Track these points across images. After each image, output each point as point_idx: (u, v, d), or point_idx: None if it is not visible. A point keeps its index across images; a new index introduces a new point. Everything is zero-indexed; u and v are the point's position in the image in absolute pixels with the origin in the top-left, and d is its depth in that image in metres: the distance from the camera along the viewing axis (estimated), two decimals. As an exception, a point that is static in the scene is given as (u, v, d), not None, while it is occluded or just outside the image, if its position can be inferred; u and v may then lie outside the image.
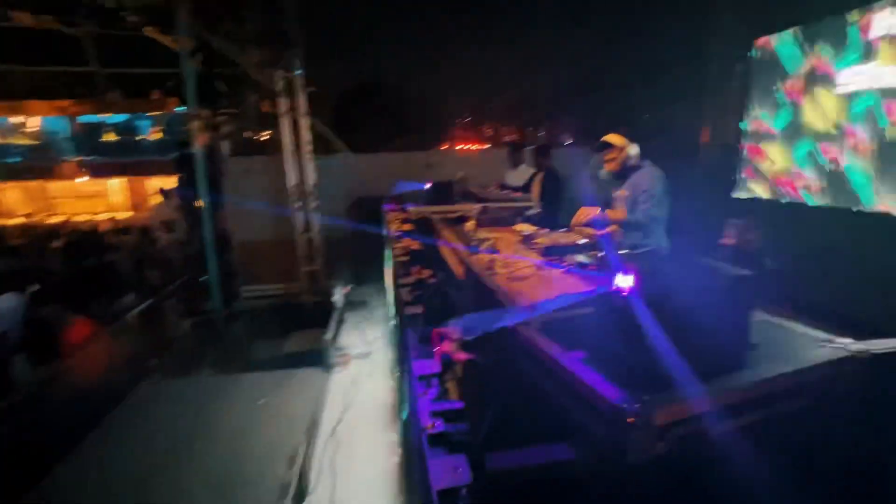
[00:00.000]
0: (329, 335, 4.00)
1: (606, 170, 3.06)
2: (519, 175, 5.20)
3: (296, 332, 4.76)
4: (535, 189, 4.70)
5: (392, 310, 2.89)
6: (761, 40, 5.53)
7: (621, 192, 2.99)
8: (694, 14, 6.47)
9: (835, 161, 4.71)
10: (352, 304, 5.32)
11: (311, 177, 6.06)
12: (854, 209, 4.53)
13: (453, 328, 1.11)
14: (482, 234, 2.83)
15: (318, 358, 3.99)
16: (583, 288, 1.28)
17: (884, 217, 4.22)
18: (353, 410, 3.38)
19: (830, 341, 1.01)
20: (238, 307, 5.28)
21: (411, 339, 1.19)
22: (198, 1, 4.84)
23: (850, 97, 4.46)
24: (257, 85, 6.69)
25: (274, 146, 6.41)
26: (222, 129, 5.66)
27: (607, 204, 3.14)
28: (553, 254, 2.22)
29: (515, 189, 4.82)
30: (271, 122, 6.63)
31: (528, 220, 3.49)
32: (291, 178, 6.02)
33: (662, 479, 0.77)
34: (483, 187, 4.79)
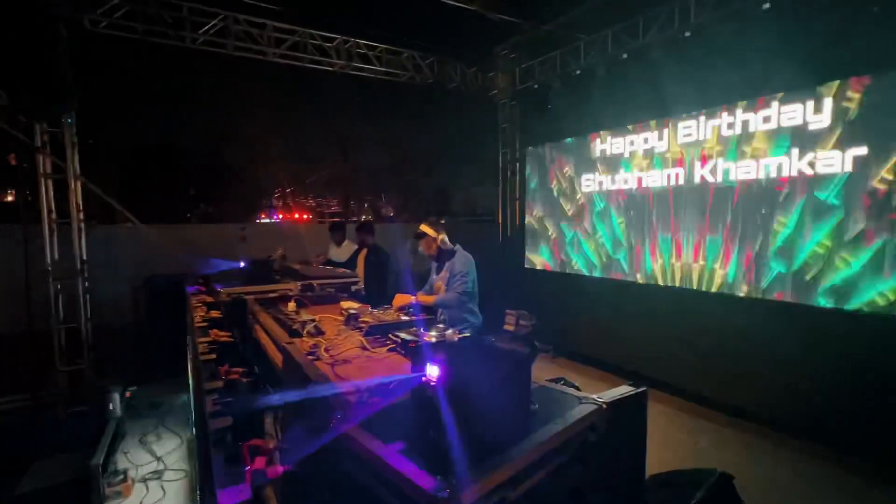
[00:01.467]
0: (98, 457, 3.06)
1: (425, 254, 3.50)
2: (343, 251, 5.23)
3: (45, 458, 3.53)
4: (360, 265, 4.77)
5: (194, 417, 2.43)
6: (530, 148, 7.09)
7: (442, 274, 3.41)
8: (487, 118, 7.92)
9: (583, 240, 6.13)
10: (135, 409, 4.26)
11: (82, 251, 4.90)
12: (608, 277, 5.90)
13: (267, 438, 1.01)
14: (305, 315, 2.70)
15: (80, 491, 3.00)
16: (404, 368, 1.33)
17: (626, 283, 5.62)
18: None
19: (585, 398, 1.30)
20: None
21: (216, 461, 1.02)
22: None
23: (589, 196, 6.01)
24: (3, 135, 5.28)
25: (21, 212, 5.02)
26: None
27: (424, 280, 3.49)
28: (377, 332, 2.25)
29: (339, 265, 4.81)
30: (26, 179, 5.25)
31: (354, 296, 3.50)
32: (50, 253, 4.75)
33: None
34: (306, 263, 4.63)
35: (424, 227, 3.43)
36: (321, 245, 5.82)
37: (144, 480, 3.29)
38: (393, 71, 6.61)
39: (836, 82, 3.68)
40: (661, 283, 5.17)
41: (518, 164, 7.52)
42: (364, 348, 2.04)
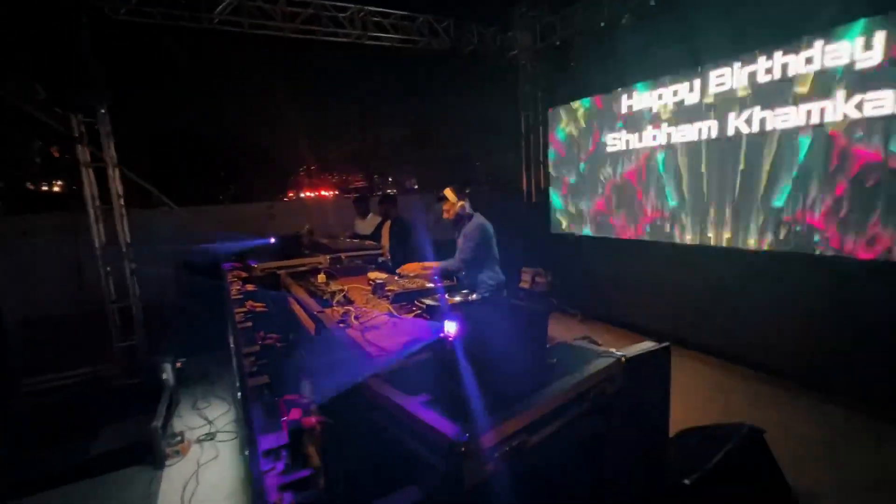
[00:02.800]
0: (157, 421, 3.35)
1: (447, 217, 3.53)
2: (368, 224, 5.32)
3: (111, 424, 3.89)
4: (385, 236, 4.85)
5: (237, 379, 2.62)
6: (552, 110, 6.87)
7: (459, 240, 3.46)
8: (507, 81, 7.70)
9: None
10: (187, 380, 4.58)
11: (125, 235, 5.19)
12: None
13: (302, 394, 1.10)
14: (334, 286, 2.81)
15: (144, 452, 3.31)
16: (428, 330, 1.39)
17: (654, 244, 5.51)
18: (197, 503, 2.88)
19: (604, 352, 1.32)
20: (15, 405, 4.09)
21: (255, 413, 1.12)
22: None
23: (616, 155, 5.82)
24: (46, 128, 5.55)
25: (69, 200, 5.33)
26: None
27: (445, 248, 3.57)
28: (403, 300, 2.33)
29: (365, 237, 4.91)
30: (69, 171, 5.53)
31: (380, 266, 3.60)
32: (98, 238, 5.05)
33: (495, 496, 0.88)
34: (333, 237, 4.75)
35: (447, 192, 3.46)
36: (346, 219, 5.93)
37: (199, 441, 3.58)
38: (409, 38, 6.47)
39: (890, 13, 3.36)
40: (692, 241, 5.03)
41: (541, 127, 7.34)
42: (391, 315, 2.13)
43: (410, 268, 3.14)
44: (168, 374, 4.05)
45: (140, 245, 5.33)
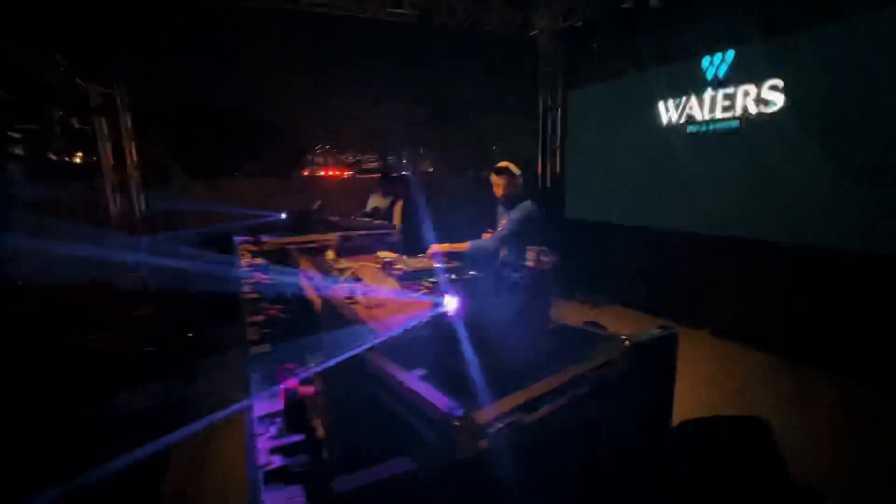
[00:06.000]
0: (173, 386, 3.46)
1: (495, 193, 3.14)
2: (384, 202, 5.30)
3: (125, 390, 4.02)
4: (396, 216, 4.84)
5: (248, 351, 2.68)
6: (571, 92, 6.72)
7: (503, 221, 3.12)
8: (525, 62, 7.53)
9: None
10: (199, 349, 4.70)
11: (141, 206, 5.28)
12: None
13: (302, 364, 1.11)
14: (343, 263, 2.82)
15: (160, 416, 3.42)
16: (430, 308, 1.39)
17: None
18: (208, 466, 2.99)
19: (608, 336, 1.30)
20: (35, 368, 4.25)
21: (254, 379, 1.15)
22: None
23: (639, 139, 5.67)
24: (66, 99, 5.62)
25: (88, 171, 5.43)
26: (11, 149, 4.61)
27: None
28: (410, 279, 2.33)
29: (379, 216, 4.90)
30: (89, 142, 5.62)
31: (390, 246, 3.60)
32: (115, 209, 5.15)
33: (486, 472, 0.88)
34: (344, 216, 4.76)
35: (510, 165, 3.10)
36: (358, 198, 5.92)
37: (211, 407, 3.69)
38: (427, 15, 6.34)
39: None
40: (716, 229, 4.90)
41: (559, 111, 7.19)
42: (398, 293, 2.13)
43: (440, 248, 2.97)
44: (180, 343, 4.15)
45: (156, 217, 5.42)
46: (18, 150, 5.01)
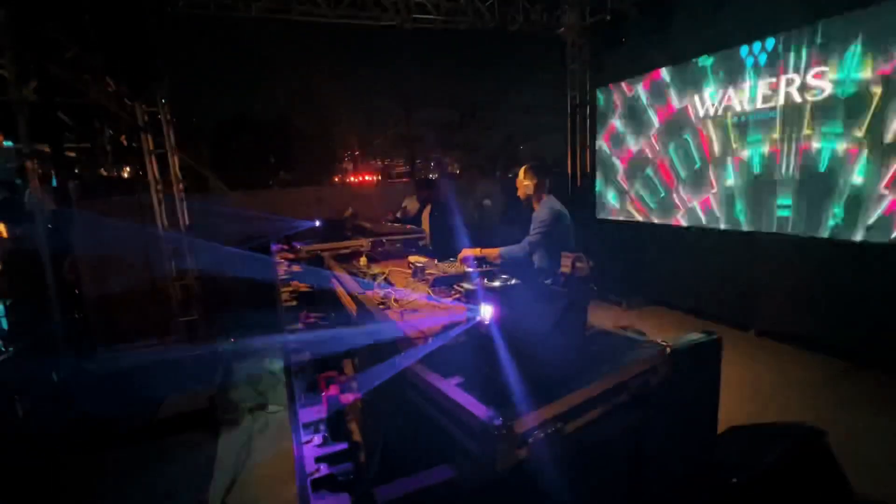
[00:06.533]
0: (214, 392, 3.61)
1: (519, 195, 3.20)
2: (415, 205, 5.35)
3: (173, 392, 4.22)
4: (425, 221, 4.87)
5: (284, 356, 2.76)
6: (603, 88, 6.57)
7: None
8: (553, 60, 7.45)
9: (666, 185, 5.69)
10: (240, 354, 4.87)
11: (185, 217, 5.53)
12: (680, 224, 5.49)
13: (342, 371, 1.13)
14: (375, 269, 2.86)
15: (202, 419, 3.57)
16: (466, 315, 1.39)
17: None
18: (250, 469, 3.09)
19: (648, 342, 1.26)
20: (93, 371, 4.51)
21: (297, 387, 1.18)
22: (27, 23, 4.23)
23: (669, 136, 5.49)
24: (116, 118, 5.98)
25: (136, 185, 5.74)
26: (68, 168, 4.93)
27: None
28: (442, 284, 2.34)
29: (410, 221, 4.94)
30: (134, 157, 5.94)
31: (421, 250, 3.62)
32: (160, 220, 5.42)
33: (527, 481, 0.88)
34: (375, 221, 4.83)
35: (521, 170, 3.19)
36: (389, 203, 6.00)
37: (252, 411, 3.82)
38: (453, 19, 6.37)
39: None
40: (752, 228, 4.70)
41: (588, 108, 7.05)
42: (430, 298, 2.14)
43: (471, 252, 2.96)
44: (224, 349, 4.32)
45: (198, 227, 5.67)
46: (76, 169, 5.35)
